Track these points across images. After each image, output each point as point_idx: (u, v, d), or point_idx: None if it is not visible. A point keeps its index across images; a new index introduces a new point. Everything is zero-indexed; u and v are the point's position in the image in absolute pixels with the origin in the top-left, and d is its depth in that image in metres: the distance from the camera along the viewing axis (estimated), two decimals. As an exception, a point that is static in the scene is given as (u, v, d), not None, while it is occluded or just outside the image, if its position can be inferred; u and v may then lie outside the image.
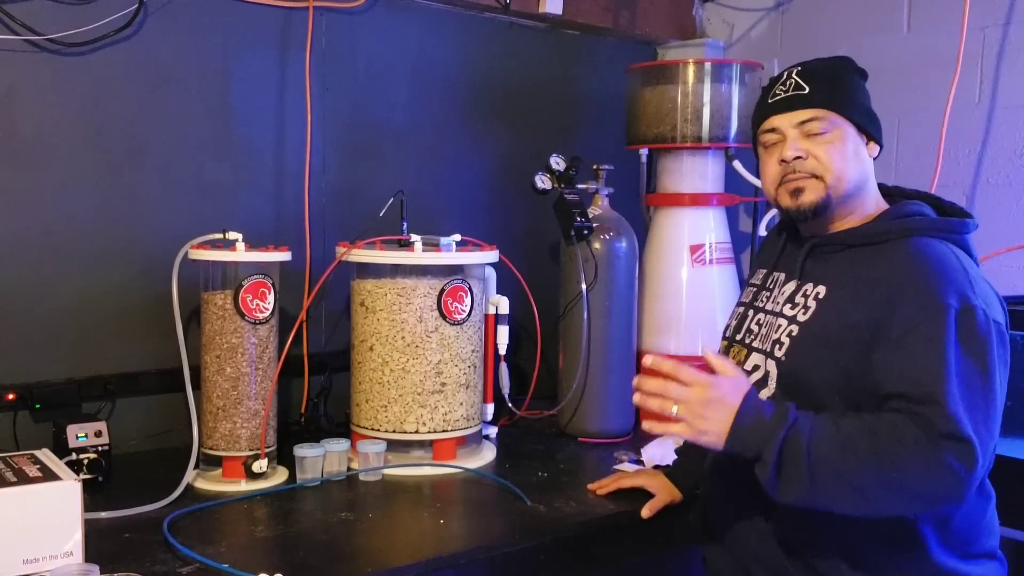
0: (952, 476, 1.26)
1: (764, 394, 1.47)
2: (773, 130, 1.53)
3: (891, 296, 1.36)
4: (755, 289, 1.65)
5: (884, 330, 1.35)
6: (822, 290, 1.47)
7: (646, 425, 1.42)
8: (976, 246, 1.51)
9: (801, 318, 1.47)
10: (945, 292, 1.34)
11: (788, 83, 1.52)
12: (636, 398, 1.43)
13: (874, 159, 1.55)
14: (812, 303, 1.47)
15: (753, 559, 1.51)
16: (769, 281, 1.61)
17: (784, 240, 1.63)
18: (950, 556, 1.41)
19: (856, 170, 1.50)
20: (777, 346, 1.48)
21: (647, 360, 1.46)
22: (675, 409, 1.38)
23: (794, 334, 1.47)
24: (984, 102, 2.37)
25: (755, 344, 1.55)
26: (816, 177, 1.48)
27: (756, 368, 1.52)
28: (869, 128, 1.52)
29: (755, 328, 1.57)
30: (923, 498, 1.31)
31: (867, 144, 1.53)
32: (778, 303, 1.54)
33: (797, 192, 1.50)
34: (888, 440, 1.28)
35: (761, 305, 1.59)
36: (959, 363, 1.29)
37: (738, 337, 1.61)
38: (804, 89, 1.50)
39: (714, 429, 1.36)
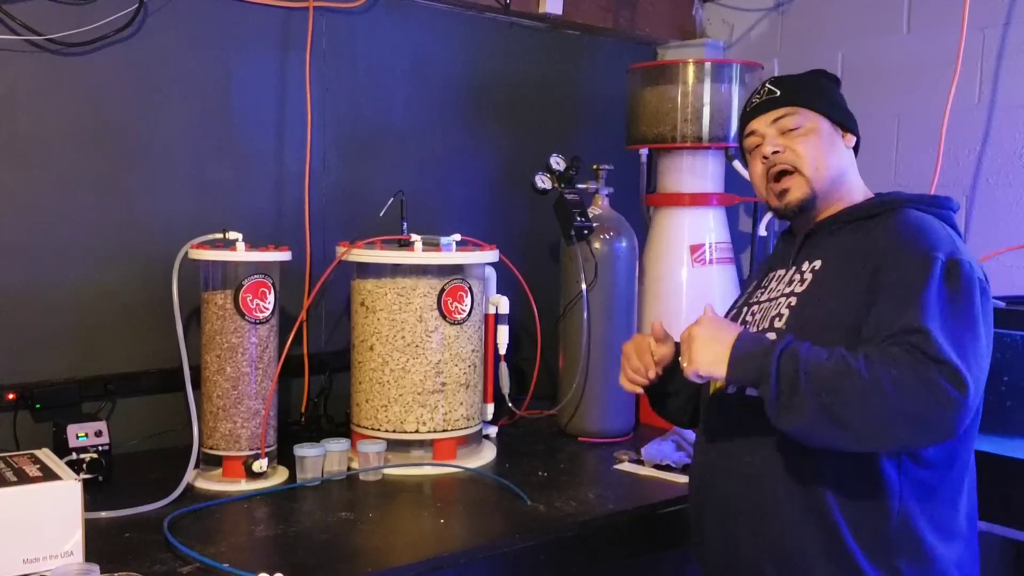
0: (944, 396, 1.27)
1: None
2: (752, 133, 1.62)
3: (883, 255, 1.43)
4: (749, 292, 1.69)
5: (877, 285, 1.40)
6: (818, 263, 1.53)
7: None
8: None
9: (798, 290, 1.52)
10: (933, 247, 1.40)
11: (762, 91, 1.63)
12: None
13: (854, 150, 1.63)
14: (808, 275, 1.53)
15: (740, 562, 1.52)
16: (764, 280, 1.66)
17: (780, 243, 1.71)
18: (930, 532, 1.42)
19: (834, 158, 1.58)
20: (777, 319, 1.52)
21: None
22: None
23: (792, 304, 1.51)
24: (984, 102, 2.37)
25: (751, 330, 1.56)
26: (797, 172, 1.56)
27: None
28: (843, 120, 1.61)
29: (750, 319, 1.60)
30: (918, 420, 1.29)
31: (844, 136, 1.61)
32: (776, 290, 1.59)
33: (783, 193, 1.58)
34: (881, 361, 1.29)
35: (756, 300, 1.63)
36: (944, 304, 1.34)
37: None
38: (776, 93, 1.60)
39: (717, 355, 1.40)
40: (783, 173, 1.57)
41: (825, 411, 1.31)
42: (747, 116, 1.64)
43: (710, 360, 1.42)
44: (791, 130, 1.57)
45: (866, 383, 1.28)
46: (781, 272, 1.61)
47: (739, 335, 1.42)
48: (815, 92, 1.61)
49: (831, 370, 1.31)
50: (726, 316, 1.70)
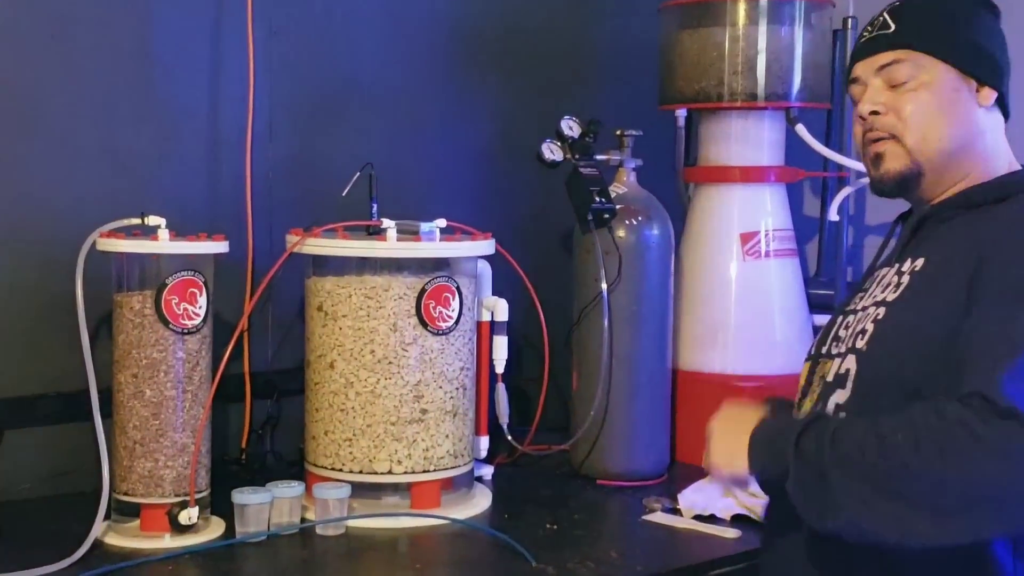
0: (1010, 455, 1.20)
1: (840, 396, 1.48)
2: (856, 80, 1.58)
3: (990, 253, 1.37)
4: (852, 295, 1.66)
5: (977, 292, 1.34)
6: (920, 262, 1.48)
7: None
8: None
9: (890, 298, 1.48)
10: None
11: (877, 22, 1.56)
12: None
13: (1001, 108, 1.56)
14: (906, 278, 1.48)
15: None
16: (868, 281, 1.62)
17: (894, 228, 1.68)
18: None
19: (954, 125, 1.51)
20: (860, 336, 1.48)
21: None
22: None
23: (879, 317, 1.47)
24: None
25: (839, 350, 1.54)
26: (895, 139, 1.52)
27: (836, 376, 1.52)
28: (977, 70, 1.52)
29: (843, 333, 1.56)
30: (988, 498, 1.23)
31: (978, 91, 1.53)
32: (872, 296, 1.54)
33: (877, 158, 1.54)
34: (924, 421, 1.25)
35: (854, 307, 1.58)
36: None
37: (823, 350, 1.59)
38: (890, 27, 1.53)
39: (735, 450, 1.45)
40: (879, 139, 1.54)
41: (871, 507, 1.27)
42: (853, 57, 1.60)
43: (728, 458, 1.47)
44: (900, 84, 1.51)
45: (910, 454, 1.24)
46: (885, 271, 1.57)
47: (760, 422, 1.45)
48: (943, 27, 1.53)
49: (866, 446, 1.28)
50: (829, 324, 1.67)
